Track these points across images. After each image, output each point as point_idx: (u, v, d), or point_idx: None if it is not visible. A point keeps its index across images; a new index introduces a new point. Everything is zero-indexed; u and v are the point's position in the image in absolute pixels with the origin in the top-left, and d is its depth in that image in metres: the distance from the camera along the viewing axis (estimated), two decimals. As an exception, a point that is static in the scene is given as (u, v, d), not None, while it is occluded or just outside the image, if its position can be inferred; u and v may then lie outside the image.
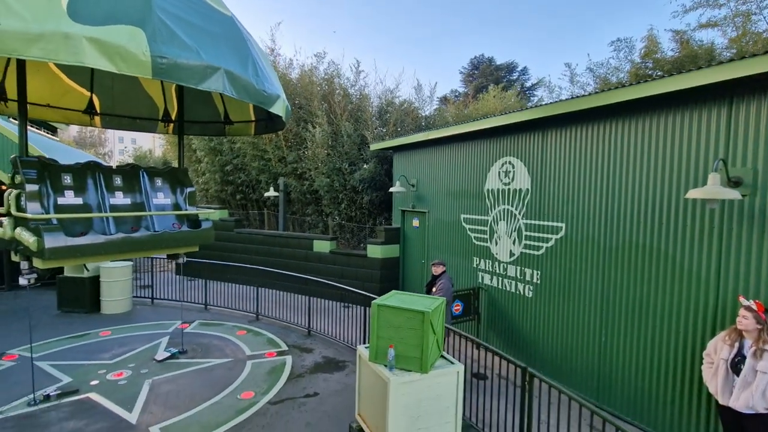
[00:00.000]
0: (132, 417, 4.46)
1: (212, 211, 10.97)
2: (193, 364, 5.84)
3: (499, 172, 6.45)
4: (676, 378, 4.13)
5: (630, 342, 4.59)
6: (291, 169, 11.41)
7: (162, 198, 5.06)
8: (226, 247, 11.02)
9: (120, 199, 4.69)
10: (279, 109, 3.74)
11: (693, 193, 3.51)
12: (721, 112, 3.80)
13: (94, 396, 4.89)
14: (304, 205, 11.79)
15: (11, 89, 4.80)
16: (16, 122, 5.68)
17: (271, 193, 10.84)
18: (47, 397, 4.77)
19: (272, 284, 9.44)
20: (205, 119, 5.84)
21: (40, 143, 10.10)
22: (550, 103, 5.29)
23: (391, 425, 3.33)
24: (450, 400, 3.59)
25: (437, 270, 5.77)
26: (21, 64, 4.04)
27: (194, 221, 5.08)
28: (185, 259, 5.57)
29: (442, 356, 3.80)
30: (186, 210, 5.07)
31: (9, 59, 4.59)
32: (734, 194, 3.37)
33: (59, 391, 4.92)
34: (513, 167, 6.18)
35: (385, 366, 3.48)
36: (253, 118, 5.49)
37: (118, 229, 4.47)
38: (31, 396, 4.73)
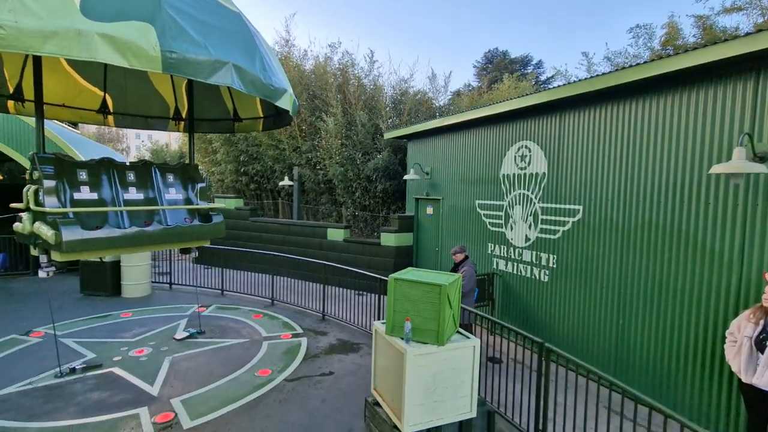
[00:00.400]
0: (153, 390, 4.59)
1: (225, 203, 11.15)
2: (211, 344, 5.97)
3: (515, 157, 6.40)
4: (697, 358, 4.07)
5: (648, 324, 4.53)
6: (305, 158, 11.50)
7: (174, 193, 5.16)
8: (241, 236, 11.19)
9: (133, 194, 4.79)
10: (286, 103, 3.79)
11: (717, 168, 3.44)
12: (747, 86, 3.71)
13: (116, 370, 5.04)
14: (318, 194, 11.88)
15: (28, 90, 4.94)
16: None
17: (286, 182, 10.94)
18: (73, 370, 4.94)
19: (287, 272, 9.57)
20: (214, 117, 5.96)
21: (65, 136, 10.44)
22: (569, 83, 5.22)
23: (407, 396, 3.35)
24: (466, 375, 3.60)
25: (458, 257, 5.69)
26: (37, 64, 4.14)
27: (205, 215, 5.20)
28: (197, 252, 5.74)
29: (458, 332, 3.81)
30: (197, 205, 5.20)
31: (25, 61, 4.72)
32: (761, 168, 3.30)
33: (84, 365, 5.09)
34: (529, 151, 6.13)
35: (402, 339, 3.51)
36: (261, 115, 5.58)
37: (132, 224, 4.58)
38: (58, 369, 4.91)
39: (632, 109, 4.71)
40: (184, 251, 5.80)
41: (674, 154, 4.29)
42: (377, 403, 3.88)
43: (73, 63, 5.19)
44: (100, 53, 2.64)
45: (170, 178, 5.22)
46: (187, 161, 5.58)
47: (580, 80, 5.02)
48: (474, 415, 3.67)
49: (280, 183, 11.13)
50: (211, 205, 5.34)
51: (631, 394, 2.80)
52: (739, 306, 3.74)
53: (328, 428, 3.94)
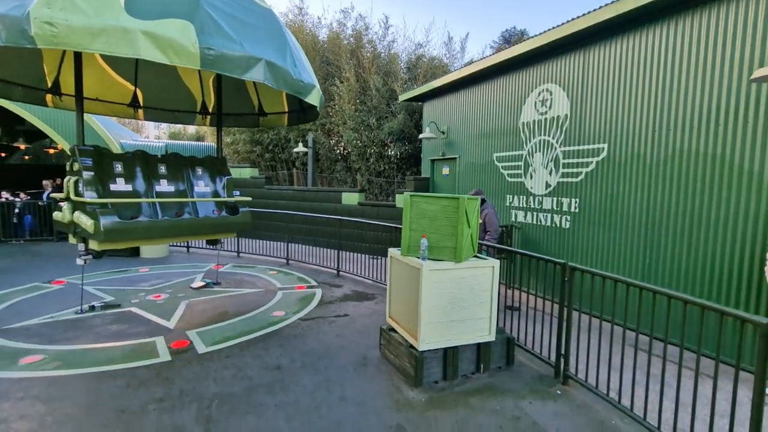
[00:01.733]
0: (170, 324, 4.61)
1: (240, 172, 11.18)
2: (226, 292, 5.98)
3: (535, 102, 6.15)
4: (731, 289, 3.84)
5: (678, 259, 4.30)
6: (319, 125, 11.40)
7: (202, 186, 5.27)
8: (257, 204, 11.19)
9: (165, 186, 4.91)
10: (314, 99, 3.81)
11: (760, 72, 3.18)
12: (795, -13, 3.40)
13: (134, 309, 5.09)
14: (332, 162, 11.79)
15: (65, 85, 5.07)
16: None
17: (300, 148, 10.87)
18: (92, 308, 5.02)
19: (302, 240, 9.54)
20: (239, 111, 6.01)
21: (99, 119, 10.66)
22: (594, 10, 4.91)
23: (423, 313, 3.25)
24: (485, 296, 3.47)
25: None
26: (78, 60, 4.21)
27: (232, 207, 5.25)
28: (222, 244, 5.81)
29: (476, 256, 3.67)
30: (224, 197, 5.25)
31: (63, 56, 4.84)
32: (809, 67, 3.02)
33: (103, 304, 5.17)
34: (550, 94, 5.87)
35: (418, 258, 3.40)
36: (285, 110, 5.59)
37: (165, 215, 4.68)
38: (78, 307, 4.99)
39: (660, 32, 4.42)
40: (212, 242, 5.90)
41: (709, 74, 4.01)
42: (392, 329, 3.80)
43: (106, 58, 5.28)
44: (143, 50, 2.72)
45: (199, 171, 5.32)
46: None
47: (607, 4, 4.73)
48: (493, 338, 3.56)
49: (295, 150, 11.08)
50: (239, 198, 5.43)
51: (663, 295, 2.62)
52: (780, 228, 3.50)
53: (343, 357, 3.87)
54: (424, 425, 2.79)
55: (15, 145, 12.94)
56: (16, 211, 10.20)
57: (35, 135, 12.57)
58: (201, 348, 3.97)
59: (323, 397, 3.12)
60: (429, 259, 3.35)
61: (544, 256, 3.68)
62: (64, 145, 10.79)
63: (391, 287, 3.86)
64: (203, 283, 6.28)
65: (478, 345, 3.52)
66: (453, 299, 3.34)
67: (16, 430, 2.62)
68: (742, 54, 3.74)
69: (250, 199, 5.86)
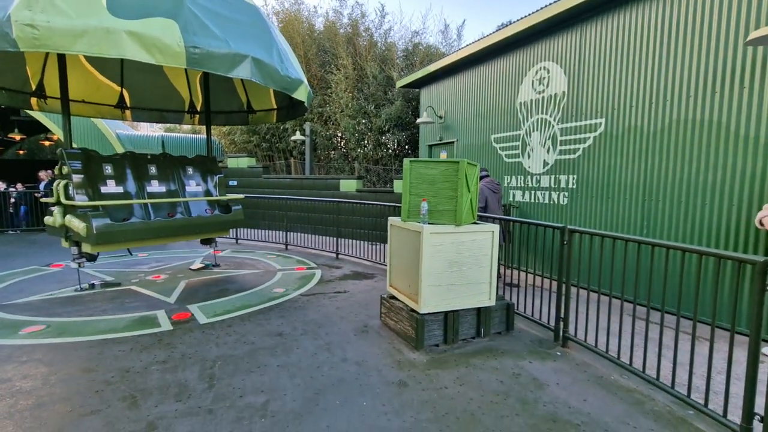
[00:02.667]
0: (170, 300, 4.61)
1: (237, 162, 11.15)
2: (226, 273, 5.98)
3: (533, 81, 6.17)
4: (728, 249, 3.87)
5: (675, 226, 4.34)
6: (317, 113, 11.38)
7: (194, 185, 5.28)
8: (255, 193, 11.18)
9: (156, 187, 4.92)
10: (302, 94, 3.81)
11: (755, 34, 3.21)
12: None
13: (135, 287, 5.08)
14: (329, 150, 11.78)
15: (49, 87, 5.02)
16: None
17: (298, 137, 10.86)
18: (92, 286, 5.01)
19: (300, 228, 9.55)
20: (228, 109, 6.01)
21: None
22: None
23: (424, 276, 3.27)
24: (485, 260, 3.49)
25: None
26: (62, 62, 4.19)
27: (224, 206, 5.22)
28: (216, 244, 5.89)
29: (475, 223, 3.69)
30: (216, 196, 5.22)
31: (46, 58, 4.78)
32: (804, 26, 3.05)
33: (103, 282, 5.16)
34: (548, 72, 5.89)
35: (418, 222, 3.41)
36: (274, 106, 5.60)
37: (156, 215, 4.64)
38: (78, 286, 4.98)
39: (655, 3, 4.45)
40: (205, 242, 5.89)
41: (705, 41, 4.04)
42: (393, 297, 3.82)
43: (91, 59, 5.23)
44: (128, 50, 2.69)
45: (190, 170, 5.28)
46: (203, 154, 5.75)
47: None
48: (493, 303, 3.58)
49: (292, 138, 11.05)
50: (231, 197, 5.39)
51: (659, 248, 2.65)
52: (775, 190, 3.54)
53: (343, 325, 3.90)
54: (426, 381, 2.82)
55: (10, 136, 12.86)
56: (12, 200, 10.16)
57: (31, 126, 12.50)
58: (202, 319, 3.98)
59: (325, 358, 3.14)
60: (429, 223, 3.37)
61: (543, 222, 3.71)
62: (60, 135, 10.75)
63: (392, 255, 3.88)
64: (202, 265, 6.28)
65: (479, 310, 3.55)
66: (453, 263, 3.36)
67: (20, 387, 2.63)
68: (738, 18, 3.77)
69: (242, 196, 5.85)
